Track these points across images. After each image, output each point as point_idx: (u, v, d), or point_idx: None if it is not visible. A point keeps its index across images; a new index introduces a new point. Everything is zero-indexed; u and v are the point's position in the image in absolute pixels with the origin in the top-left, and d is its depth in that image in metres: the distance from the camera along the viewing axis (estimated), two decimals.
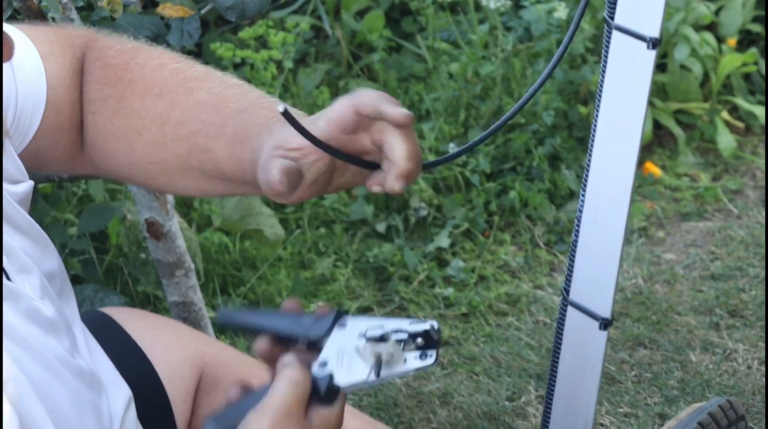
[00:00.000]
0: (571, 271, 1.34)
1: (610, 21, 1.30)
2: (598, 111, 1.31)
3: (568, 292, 1.34)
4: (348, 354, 1.22)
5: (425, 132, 2.81)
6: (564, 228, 2.80)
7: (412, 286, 2.65)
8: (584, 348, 1.35)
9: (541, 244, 2.77)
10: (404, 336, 1.19)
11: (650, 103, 3.06)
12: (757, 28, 3.17)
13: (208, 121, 1.35)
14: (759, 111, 3.06)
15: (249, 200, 2.48)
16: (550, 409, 1.41)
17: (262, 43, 2.85)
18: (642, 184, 2.93)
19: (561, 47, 1.36)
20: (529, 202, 2.79)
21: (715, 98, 3.09)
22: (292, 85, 2.91)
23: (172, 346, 1.55)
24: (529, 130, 2.84)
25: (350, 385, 1.22)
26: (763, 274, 2.71)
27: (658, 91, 3.05)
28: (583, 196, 1.31)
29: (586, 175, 1.31)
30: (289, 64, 2.81)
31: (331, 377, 1.21)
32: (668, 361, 2.50)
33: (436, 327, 1.19)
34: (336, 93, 2.91)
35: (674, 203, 2.93)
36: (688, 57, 3.02)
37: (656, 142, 3.07)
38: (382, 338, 1.19)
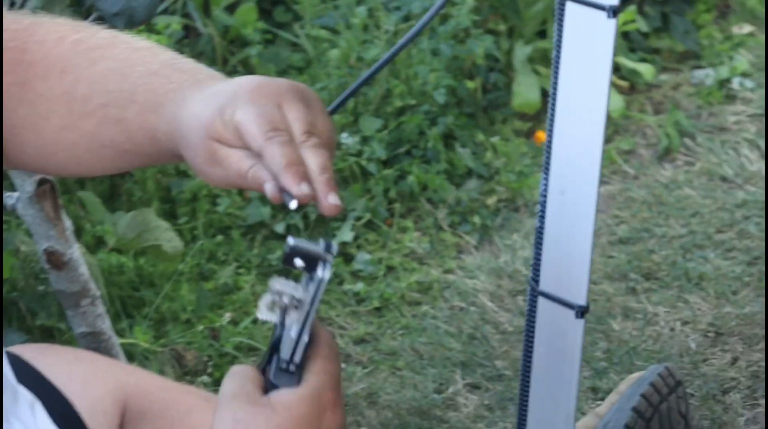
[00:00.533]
0: (539, 260, 1.26)
1: None
2: (555, 89, 1.23)
3: (537, 282, 1.27)
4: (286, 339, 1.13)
5: None
6: (467, 208, 2.72)
7: None
8: (560, 339, 1.29)
9: (445, 227, 2.69)
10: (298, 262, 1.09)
11: (535, 72, 3.01)
12: None
13: (116, 89, 1.23)
14: (643, 68, 3.03)
15: (144, 215, 2.35)
16: (527, 406, 1.33)
17: None
18: (536, 155, 2.87)
19: (426, 16, 1.29)
20: (428, 184, 2.71)
21: None
22: None
23: (90, 381, 1.44)
24: (420, 111, 2.75)
25: (288, 347, 1.11)
26: (671, 232, 2.68)
27: (541, 58, 2.99)
28: (545, 179, 1.23)
29: (547, 158, 1.23)
30: None
31: (277, 356, 1.12)
32: (591, 333, 2.45)
33: (327, 243, 1.09)
34: None
35: None
36: None
37: (544, 110, 3.01)
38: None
